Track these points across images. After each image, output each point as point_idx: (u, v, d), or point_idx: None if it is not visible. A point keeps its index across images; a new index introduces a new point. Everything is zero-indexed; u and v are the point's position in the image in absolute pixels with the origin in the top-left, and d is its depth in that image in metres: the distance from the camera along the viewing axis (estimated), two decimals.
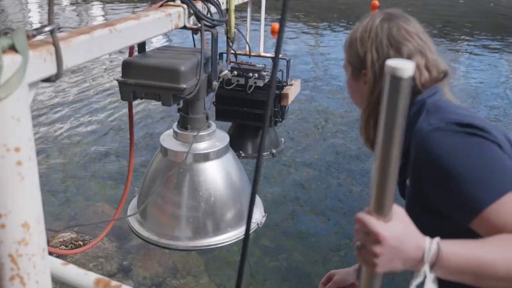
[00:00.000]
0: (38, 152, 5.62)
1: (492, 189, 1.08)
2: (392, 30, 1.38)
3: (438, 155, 1.14)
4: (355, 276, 1.86)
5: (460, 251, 0.96)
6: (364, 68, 1.41)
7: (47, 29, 0.77)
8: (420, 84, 1.35)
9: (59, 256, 1.18)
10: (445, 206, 1.13)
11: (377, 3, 14.99)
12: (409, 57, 1.35)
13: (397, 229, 0.89)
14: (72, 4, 15.66)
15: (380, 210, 0.84)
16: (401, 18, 1.42)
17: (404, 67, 0.70)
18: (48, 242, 3.90)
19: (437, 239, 0.95)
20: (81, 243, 4.06)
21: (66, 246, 3.98)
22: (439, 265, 0.93)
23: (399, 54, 1.35)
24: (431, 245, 0.93)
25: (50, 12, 0.77)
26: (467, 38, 11.97)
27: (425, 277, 0.92)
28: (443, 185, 1.14)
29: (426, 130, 1.19)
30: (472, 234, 1.08)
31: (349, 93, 1.57)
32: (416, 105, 1.32)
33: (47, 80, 0.80)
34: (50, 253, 0.94)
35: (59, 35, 0.83)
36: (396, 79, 0.70)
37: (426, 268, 0.92)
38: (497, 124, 6.53)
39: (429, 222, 0.94)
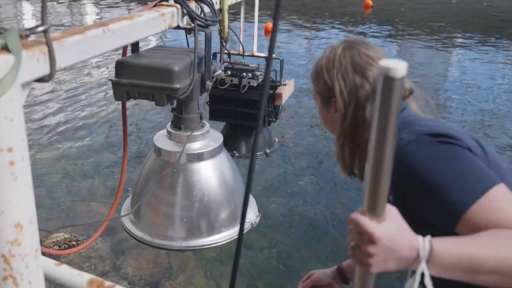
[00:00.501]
0: (31, 151, 5.62)
1: (470, 191, 1.11)
2: (354, 57, 1.43)
3: (414, 167, 1.18)
4: (332, 276, 1.95)
5: (451, 247, 0.97)
6: (334, 97, 1.45)
7: (40, 29, 0.77)
8: None
9: (52, 256, 1.18)
10: (429, 216, 1.15)
11: (370, 2, 15.03)
12: (374, 80, 1.40)
13: (391, 229, 0.89)
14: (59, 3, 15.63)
15: (374, 210, 0.84)
16: (362, 45, 1.46)
17: (397, 67, 0.70)
18: (41, 242, 3.88)
19: (429, 237, 0.96)
20: (74, 243, 4.04)
21: (59, 247, 3.97)
22: (433, 263, 0.94)
23: (364, 79, 1.40)
24: (424, 243, 0.94)
25: (43, 12, 0.77)
26: (460, 38, 12.02)
27: (422, 275, 0.93)
28: (424, 195, 1.17)
29: (400, 146, 1.22)
30: None
31: (322, 121, 1.61)
32: None
33: (40, 80, 0.80)
34: (44, 254, 0.94)
35: (52, 35, 0.83)
36: (389, 79, 0.70)
37: (423, 265, 0.93)
38: (488, 124, 6.57)
39: (417, 232, 0.95)
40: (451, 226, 1.14)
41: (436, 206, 1.13)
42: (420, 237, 0.95)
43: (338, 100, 1.43)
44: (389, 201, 1.33)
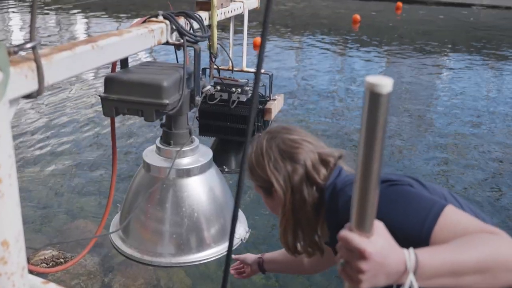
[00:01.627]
0: (18, 167, 5.57)
1: (427, 218, 1.18)
2: (280, 146, 1.49)
3: None
4: (254, 263, 2.05)
5: (433, 255, 0.99)
6: (272, 186, 1.50)
7: (28, 45, 0.77)
8: (321, 180, 1.46)
9: (39, 274, 1.16)
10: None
11: (358, 17, 15.17)
12: (305, 162, 1.46)
13: (380, 244, 0.89)
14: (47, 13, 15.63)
15: (362, 226, 0.84)
16: (283, 132, 1.53)
17: (383, 83, 0.71)
18: (29, 260, 3.84)
19: (411, 249, 0.97)
20: (62, 260, 3.99)
21: (47, 264, 3.92)
22: (418, 273, 0.95)
23: (295, 163, 1.46)
24: (410, 255, 0.95)
25: (32, 29, 0.77)
26: (447, 52, 12.15)
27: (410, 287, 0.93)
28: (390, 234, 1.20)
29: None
30: None
31: (270, 210, 1.66)
32: (327, 190, 1.44)
33: (28, 96, 0.80)
34: (31, 272, 0.93)
35: (40, 51, 0.83)
36: (375, 95, 0.71)
37: (411, 277, 0.94)
38: (475, 134, 6.62)
39: None
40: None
41: (401, 242, 1.15)
42: (404, 250, 0.96)
43: (276, 189, 1.49)
44: None
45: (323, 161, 1.48)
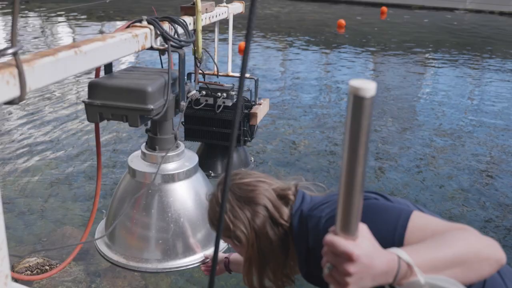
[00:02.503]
0: (2, 173, 5.51)
1: (396, 227, 1.23)
2: (236, 192, 1.47)
3: None
4: (222, 262, 2.03)
5: (414, 254, 1.01)
6: (236, 234, 1.49)
7: (10, 51, 0.76)
8: (283, 216, 1.46)
9: (24, 282, 1.15)
10: None
11: (343, 22, 15.25)
12: (264, 203, 1.45)
13: (366, 246, 0.90)
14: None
15: (347, 229, 0.85)
16: (236, 178, 1.51)
17: (366, 87, 0.71)
18: (13, 268, 3.80)
19: (397, 249, 1.00)
20: (47, 267, 3.95)
21: (32, 272, 3.87)
22: (402, 272, 0.97)
23: (255, 205, 1.45)
24: (400, 253, 0.98)
25: (13, 34, 0.76)
26: (432, 55, 12.25)
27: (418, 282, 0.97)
28: None
29: (321, 224, 1.34)
30: None
31: (239, 254, 1.66)
32: (295, 217, 1.45)
33: (10, 102, 0.79)
34: (15, 280, 0.92)
35: (22, 57, 0.83)
36: (358, 99, 0.71)
37: (418, 272, 0.97)
38: (456, 139, 6.68)
39: None
40: None
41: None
42: (392, 250, 0.98)
43: (239, 236, 1.48)
44: (318, 275, 1.40)
45: (282, 197, 1.48)
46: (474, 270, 1.07)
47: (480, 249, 1.08)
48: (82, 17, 16.05)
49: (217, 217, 1.53)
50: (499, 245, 1.11)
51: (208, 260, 1.75)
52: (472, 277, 1.07)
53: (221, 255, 2.09)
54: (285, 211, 1.47)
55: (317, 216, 1.37)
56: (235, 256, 2.02)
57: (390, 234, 1.21)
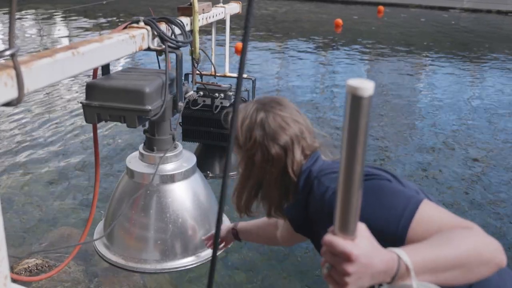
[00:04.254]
0: (0, 174, 5.50)
1: (403, 215, 1.21)
2: (268, 121, 1.46)
3: None
4: (228, 232, 1.99)
5: (415, 254, 1.00)
6: (250, 154, 1.48)
7: (7, 52, 0.76)
8: (295, 166, 1.45)
9: (23, 283, 1.15)
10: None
11: (340, 21, 15.25)
12: (285, 146, 1.44)
13: (365, 246, 0.90)
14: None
15: (345, 229, 0.85)
16: (275, 106, 1.49)
17: (364, 86, 0.71)
18: (12, 269, 3.79)
19: (398, 249, 0.99)
20: (46, 268, 3.95)
21: (31, 273, 3.87)
22: (401, 272, 0.96)
23: (277, 143, 1.44)
24: (400, 253, 0.97)
25: (11, 36, 0.76)
26: (429, 54, 12.26)
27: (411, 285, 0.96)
28: None
29: (328, 196, 1.33)
30: None
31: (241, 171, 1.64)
32: (302, 175, 1.44)
33: (8, 104, 0.79)
34: (14, 280, 0.92)
35: (20, 58, 0.83)
36: (356, 98, 0.71)
37: (412, 277, 0.96)
38: (455, 141, 6.69)
39: None
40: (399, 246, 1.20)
41: (378, 236, 1.16)
42: (393, 250, 0.98)
43: (248, 161, 1.48)
44: (319, 239, 1.39)
45: (303, 149, 1.47)
46: (473, 273, 1.07)
47: (483, 252, 1.07)
48: (79, 18, 16.03)
49: (239, 126, 1.49)
50: (501, 247, 1.10)
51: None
52: (471, 279, 1.07)
53: (223, 228, 2.05)
54: (299, 164, 1.45)
55: (326, 185, 1.36)
56: (243, 224, 2.01)
57: (395, 221, 1.20)
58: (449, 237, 1.09)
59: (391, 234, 1.20)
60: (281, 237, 1.92)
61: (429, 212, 1.21)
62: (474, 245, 1.08)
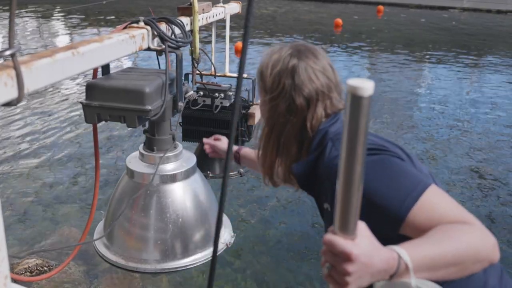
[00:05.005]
0: (1, 174, 5.50)
1: (408, 196, 1.18)
2: (299, 70, 1.42)
3: None
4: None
5: (414, 252, 1.00)
6: (274, 96, 1.46)
7: (7, 52, 0.76)
8: (310, 123, 1.43)
9: (23, 283, 1.15)
10: (371, 222, 1.17)
11: (340, 21, 15.25)
12: (309, 97, 1.41)
13: (365, 245, 0.90)
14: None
15: (346, 229, 0.85)
16: (310, 56, 1.46)
17: (364, 86, 0.71)
18: (12, 269, 3.79)
19: (398, 247, 0.99)
20: (46, 269, 3.95)
21: (31, 273, 3.87)
22: (401, 270, 0.97)
23: (301, 94, 1.41)
24: (401, 252, 0.97)
25: (11, 36, 0.76)
26: (429, 54, 12.26)
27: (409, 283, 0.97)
28: (364, 204, 1.19)
29: (336, 164, 1.26)
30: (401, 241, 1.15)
31: (262, 114, 1.61)
32: (318, 134, 1.41)
33: (8, 104, 0.79)
34: (14, 281, 0.92)
35: (20, 58, 0.83)
36: (356, 98, 0.72)
37: (412, 276, 0.97)
38: (454, 138, 6.69)
39: None
40: (394, 230, 1.20)
41: (377, 213, 1.16)
42: (394, 248, 0.98)
43: (279, 104, 1.44)
44: (327, 210, 1.38)
45: (326, 107, 1.44)
46: (468, 269, 1.08)
47: (480, 251, 1.08)
48: (79, 18, 16.03)
49: (264, 72, 1.47)
50: (497, 243, 1.11)
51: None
52: (464, 275, 1.08)
53: (225, 143, 2.05)
54: (318, 120, 1.43)
55: (338, 150, 1.32)
56: (247, 151, 2.00)
57: (399, 201, 1.18)
58: (448, 235, 1.09)
59: (392, 214, 1.18)
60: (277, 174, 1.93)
61: (433, 199, 1.19)
62: (473, 243, 1.08)
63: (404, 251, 0.98)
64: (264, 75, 1.47)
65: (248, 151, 2.00)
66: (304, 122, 1.43)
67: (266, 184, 1.62)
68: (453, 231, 1.10)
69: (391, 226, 1.20)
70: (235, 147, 2.02)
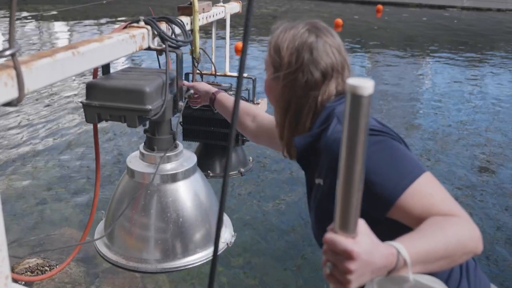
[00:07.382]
0: (1, 175, 5.50)
1: (402, 178, 1.19)
2: (316, 46, 1.42)
3: None
4: (207, 94, 1.97)
5: (410, 247, 1.01)
6: (288, 74, 1.44)
7: (7, 52, 0.76)
8: (322, 98, 1.42)
9: (24, 283, 1.15)
10: (363, 203, 1.17)
11: (340, 21, 15.24)
12: (325, 72, 1.41)
13: (365, 243, 0.90)
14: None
15: (346, 227, 0.85)
16: (326, 33, 1.47)
17: (364, 85, 0.71)
18: (13, 269, 3.80)
19: (397, 243, 1.00)
20: (47, 268, 3.95)
21: (32, 272, 3.87)
22: (399, 266, 0.98)
23: (318, 69, 1.41)
24: (399, 248, 0.98)
25: (11, 36, 0.76)
26: (430, 53, 12.26)
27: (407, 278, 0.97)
28: None
29: (337, 138, 1.28)
30: (388, 226, 1.17)
31: (266, 92, 1.60)
32: (325, 111, 1.41)
33: (8, 104, 0.79)
34: (15, 280, 0.92)
35: (20, 58, 0.83)
36: (356, 97, 0.72)
37: (409, 271, 0.97)
38: (456, 137, 6.69)
39: None
40: (382, 212, 1.21)
41: (371, 191, 1.16)
42: (392, 244, 0.99)
43: (297, 79, 1.43)
44: (322, 189, 1.37)
45: (338, 84, 1.44)
46: (456, 262, 1.11)
47: (467, 244, 1.10)
48: (79, 18, 16.03)
49: (278, 46, 1.46)
50: (481, 236, 1.13)
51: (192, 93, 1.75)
52: (451, 267, 1.13)
53: (205, 86, 2.01)
54: (329, 96, 1.43)
55: (338, 129, 1.32)
56: (224, 96, 1.97)
57: (394, 181, 1.18)
58: (442, 229, 1.10)
59: (386, 192, 1.19)
60: (250, 128, 1.92)
61: (427, 185, 1.20)
62: (462, 237, 1.10)
63: (402, 247, 0.99)
64: (281, 49, 1.46)
65: (225, 96, 1.96)
66: (315, 97, 1.43)
67: (285, 156, 1.61)
68: (445, 225, 1.11)
69: (382, 206, 1.20)
70: (213, 89, 1.98)
